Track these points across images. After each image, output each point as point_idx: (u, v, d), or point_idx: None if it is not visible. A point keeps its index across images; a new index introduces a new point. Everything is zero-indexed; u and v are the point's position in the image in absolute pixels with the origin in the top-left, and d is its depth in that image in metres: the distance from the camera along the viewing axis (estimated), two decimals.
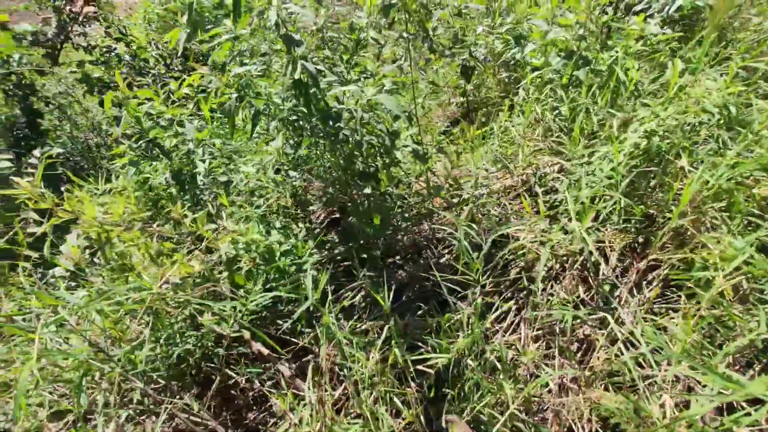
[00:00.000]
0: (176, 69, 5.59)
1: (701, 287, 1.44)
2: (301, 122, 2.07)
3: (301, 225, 2.80)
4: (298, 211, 2.97)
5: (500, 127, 2.70)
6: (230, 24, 1.81)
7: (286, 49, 1.75)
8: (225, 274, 1.94)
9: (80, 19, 4.65)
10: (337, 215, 3.07)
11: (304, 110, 1.84)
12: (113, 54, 5.03)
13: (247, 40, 1.84)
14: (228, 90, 1.81)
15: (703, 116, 1.69)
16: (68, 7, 4.46)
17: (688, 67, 2.12)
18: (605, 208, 1.86)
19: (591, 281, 1.94)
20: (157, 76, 5.06)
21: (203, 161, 2.09)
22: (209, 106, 1.76)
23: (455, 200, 2.56)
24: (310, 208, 3.01)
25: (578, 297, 1.90)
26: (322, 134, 1.93)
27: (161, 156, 1.90)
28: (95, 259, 1.75)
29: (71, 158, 4.20)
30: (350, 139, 1.83)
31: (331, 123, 1.82)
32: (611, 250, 1.94)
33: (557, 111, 2.60)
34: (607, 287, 1.92)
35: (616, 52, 2.30)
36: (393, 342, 1.59)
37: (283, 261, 1.92)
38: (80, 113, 4.37)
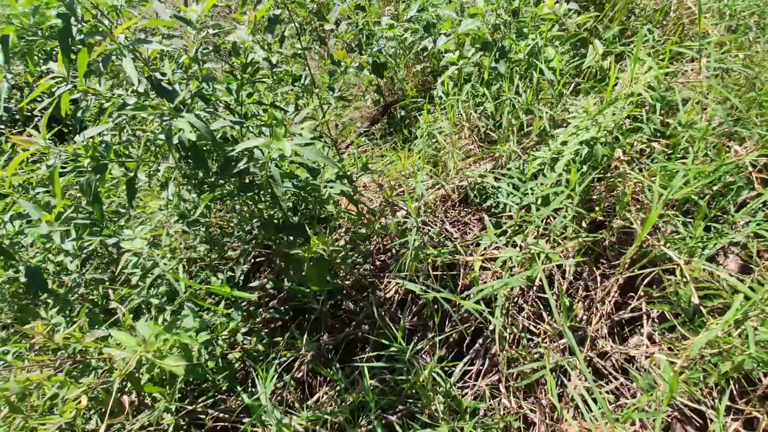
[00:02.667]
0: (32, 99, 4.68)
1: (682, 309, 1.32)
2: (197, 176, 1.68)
3: (221, 276, 2.41)
4: (214, 258, 2.56)
5: (423, 134, 2.47)
6: (61, 69, 1.36)
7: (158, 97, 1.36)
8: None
9: None
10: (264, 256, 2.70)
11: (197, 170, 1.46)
12: None
13: (95, 91, 1.41)
14: (83, 159, 1.38)
15: (639, 109, 1.56)
16: None
17: (609, 48, 2.01)
18: (553, 218, 1.71)
19: (551, 300, 1.80)
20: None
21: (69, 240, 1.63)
22: (58, 184, 1.31)
23: (390, 220, 2.31)
24: (230, 253, 2.61)
25: (542, 320, 1.75)
26: (225, 191, 1.57)
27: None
28: None
29: None
30: (263, 195, 1.49)
31: (237, 178, 1.46)
32: (566, 258, 1.81)
33: (482, 107, 2.41)
34: (567, 301, 1.80)
35: (533, 39, 2.14)
36: None
37: (205, 353, 1.56)
38: None
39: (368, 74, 3.29)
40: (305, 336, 1.85)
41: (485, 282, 1.80)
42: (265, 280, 2.42)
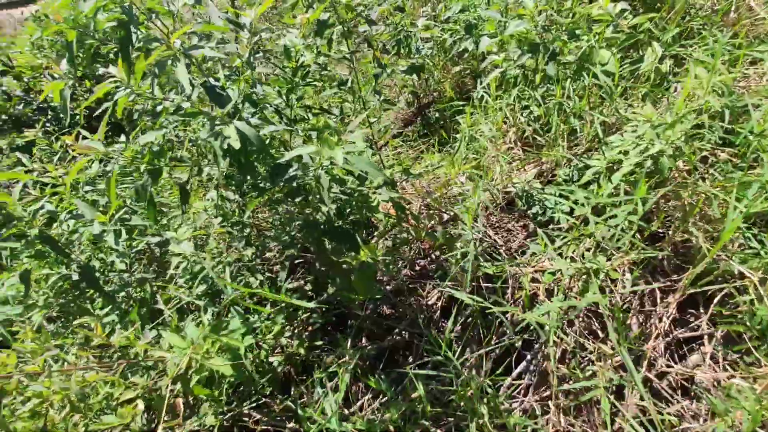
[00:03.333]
0: (84, 96, 4.84)
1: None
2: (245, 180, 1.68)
3: (260, 277, 2.42)
4: (254, 259, 2.58)
5: (465, 137, 2.41)
6: (121, 74, 1.37)
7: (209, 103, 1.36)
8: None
9: None
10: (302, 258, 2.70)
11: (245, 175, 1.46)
12: None
13: (149, 95, 1.42)
14: (138, 163, 1.39)
15: (707, 119, 1.48)
16: None
17: (667, 51, 1.91)
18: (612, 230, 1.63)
19: (606, 318, 1.73)
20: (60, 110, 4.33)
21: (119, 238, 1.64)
22: (114, 188, 1.33)
23: (433, 225, 2.27)
24: (269, 254, 2.63)
25: (594, 335, 1.69)
26: (272, 195, 1.56)
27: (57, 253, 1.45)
28: None
29: None
30: (311, 199, 1.48)
31: (285, 185, 1.45)
32: (622, 274, 1.74)
33: (528, 111, 2.34)
34: (621, 315, 1.72)
35: (586, 41, 2.06)
36: None
37: (250, 356, 1.57)
38: None
39: (405, 75, 3.25)
40: (348, 342, 1.84)
41: (535, 294, 1.74)
42: (303, 282, 2.42)
